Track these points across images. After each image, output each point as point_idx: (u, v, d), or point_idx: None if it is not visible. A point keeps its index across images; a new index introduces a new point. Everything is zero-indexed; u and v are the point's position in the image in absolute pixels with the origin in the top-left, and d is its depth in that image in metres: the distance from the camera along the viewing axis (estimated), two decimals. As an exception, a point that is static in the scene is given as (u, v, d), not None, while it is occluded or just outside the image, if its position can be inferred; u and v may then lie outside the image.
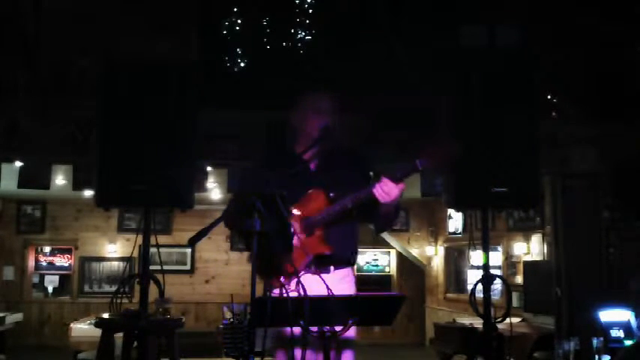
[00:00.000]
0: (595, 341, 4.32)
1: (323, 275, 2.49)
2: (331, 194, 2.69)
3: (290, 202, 2.64)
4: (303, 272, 2.50)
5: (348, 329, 2.36)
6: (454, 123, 3.34)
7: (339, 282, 2.70)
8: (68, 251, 10.95)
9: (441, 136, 3.19)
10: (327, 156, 2.83)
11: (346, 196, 2.64)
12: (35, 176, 5.34)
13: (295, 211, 2.69)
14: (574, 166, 5.45)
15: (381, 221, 2.81)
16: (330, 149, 2.83)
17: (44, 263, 11.00)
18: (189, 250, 10.90)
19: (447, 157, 2.57)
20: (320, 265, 2.64)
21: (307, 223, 2.68)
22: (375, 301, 2.53)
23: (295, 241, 2.59)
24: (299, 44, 7.67)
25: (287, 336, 2.41)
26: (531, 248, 7.64)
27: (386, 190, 2.55)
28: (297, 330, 2.30)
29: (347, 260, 2.80)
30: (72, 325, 7.74)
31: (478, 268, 8.41)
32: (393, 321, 2.49)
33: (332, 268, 2.71)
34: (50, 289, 10.98)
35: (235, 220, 2.57)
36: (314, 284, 2.34)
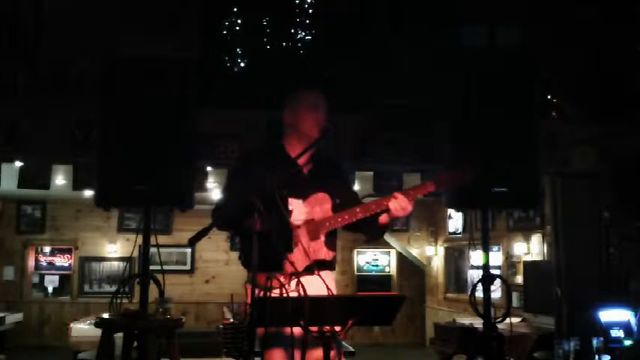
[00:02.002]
0: (595, 341, 4.32)
1: (310, 277, 2.50)
2: (337, 200, 2.71)
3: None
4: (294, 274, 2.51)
5: (348, 329, 2.37)
6: (454, 123, 3.34)
7: (325, 280, 2.70)
8: (68, 251, 10.96)
9: (456, 162, 3.20)
10: (317, 162, 2.83)
11: (356, 206, 2.67)
12: (35, 176, 5.34)
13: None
14: (574, 166, 5.44)
15: (376, 232, 2.82)
16: (318, 155, 2.83)
17: (44, 263, 11.00)
18: (189, 250, 10.90)
19: (461, 183, 2.66)
20: (318, 269, 2.64)
21: (314, 226, 2.68)
22: (375, 301, 2.53)
23: (299, 243, 2.62)
24: (299, 44, 7.67)
25: (280, 335, 2.42)
26: (531, 248, 7.64)
27: (403, 206, 2.62)
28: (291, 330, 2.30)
29: (329, 265, 2.80)
30: (72, 325, 7.74)
31: (478, 268, 8.40)
32: (392, 321, 2.49)
33: (316, 270, 2.71)
34: (50, 289, 10.98)
35: (233, 218, 2.58)
36: (308, 285, 2.33)
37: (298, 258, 2.60)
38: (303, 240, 2.66)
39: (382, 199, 2.66)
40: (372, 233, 2.84)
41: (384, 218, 2.69)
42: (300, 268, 2.59)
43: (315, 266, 2.59)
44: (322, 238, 2.68)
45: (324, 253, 2.68)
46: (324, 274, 2.71)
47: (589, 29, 5.74)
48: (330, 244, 2.71)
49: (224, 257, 10.98)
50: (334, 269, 2.83)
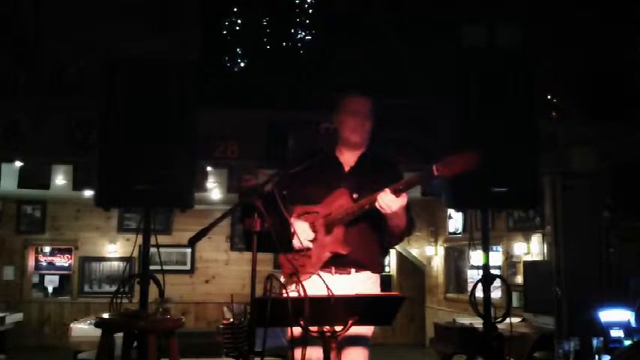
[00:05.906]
0: (595, 341, 4.32)
1: (345, 276, 2.60)
2: (355, 195, 2.72)
3: (315, 201, 2.73)
4: (319, 271, 2.55)
5: (348, 329, 2.37)
6: (454, 123, 3.34)
7: (362, 283, 2.73)
8: (68, 251, 10.95)
9: (460, 147, 3.18)
10: (363, 159, 2.87)
11: (364, 198, 2.66)
12: (35, 176, 5.34)
13: (320, 209, 2.74)
14: (574, 166, 5.44)
15: (391, 234, 2.79)
16: (368, 154, 2.87)
17: (44, 263, 11.00)
18: (189, 250, 10.90)
19: (467, 167, 2.54)
20: (337, 265, 2.66)
21: (328, 220, 2.71)
22: (375, 301, 2.53)
23: (315, 237, 2.68)
24: (299, 44, 7.67)
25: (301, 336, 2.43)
26: (531, 248, 7.64)
27: (386, 202, 2.54)
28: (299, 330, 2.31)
29: (365, 264, 2.77)
30: (72, 325, 7.75)
31: (478, 268, 8.41)
32: (393, 321, 2.50)
33: (353, 270, 2.73)
34: (50, 289, 10.98)
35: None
36: (330, 284, 2.35)
37: (316, 251, 2.67)
38: (320, 234, 2.71)
39: (375, 193, 2.60)
40: (388, 238, 2.83)
41: (391, 221, 2.67)
42: (318, 261, 2.65)
43: (332, 260, 2.64)
44: (337, 231, 2.69)
45: (340, 247, 2.69)
46: (366, 273, 2.75)
47: (589, 29, 5.73)
48: (347, 238, 2.69)
49: (224, 257, 10.97)
50: (367, 268, 2.79)
